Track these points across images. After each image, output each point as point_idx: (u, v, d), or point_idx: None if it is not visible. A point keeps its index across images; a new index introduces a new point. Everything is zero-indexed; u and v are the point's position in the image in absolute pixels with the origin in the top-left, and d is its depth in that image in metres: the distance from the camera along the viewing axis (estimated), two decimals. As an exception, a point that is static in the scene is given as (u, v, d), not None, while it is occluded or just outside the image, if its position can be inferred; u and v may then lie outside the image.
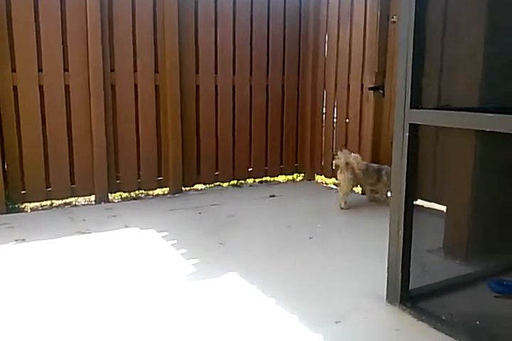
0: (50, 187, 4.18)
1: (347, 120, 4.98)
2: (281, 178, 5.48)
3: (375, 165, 4.29)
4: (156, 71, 4.51)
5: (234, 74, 4.94)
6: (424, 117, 2.22)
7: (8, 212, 3.94)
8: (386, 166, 4.18)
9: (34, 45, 3.97)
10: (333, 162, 4.37)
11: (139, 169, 4.56)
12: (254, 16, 4.97)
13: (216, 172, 4.99)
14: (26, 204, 4.16)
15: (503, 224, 2.78)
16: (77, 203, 4.34)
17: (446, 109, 2.27)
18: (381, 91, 4.57)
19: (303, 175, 5.54)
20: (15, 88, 3.97)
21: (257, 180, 5.31)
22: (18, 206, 4.10)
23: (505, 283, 2.49)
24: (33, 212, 4.07)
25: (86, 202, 4.37)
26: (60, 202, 4.29)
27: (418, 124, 2.25)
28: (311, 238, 3.46)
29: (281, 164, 5.41)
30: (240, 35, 4.93)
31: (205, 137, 4.87)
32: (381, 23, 4.48)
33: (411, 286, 2.38)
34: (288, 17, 5.18)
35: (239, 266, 2.91)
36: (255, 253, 3.16)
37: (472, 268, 2.77)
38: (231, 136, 5.03)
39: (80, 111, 4.21)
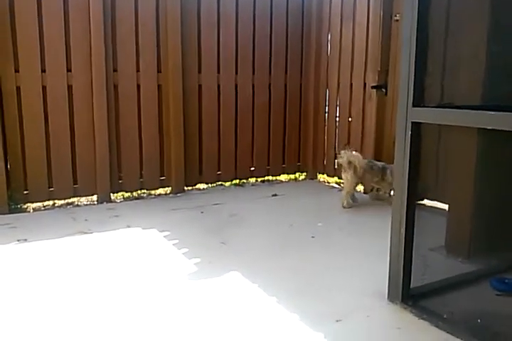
0: (52, 187, 4.18)
1: (349, 119, 4.97)
2: (283, 177, 5.48)
3: (379, 164, 4.28)
4: (159, 71, 4.51)
5: (236, 73, 4.94)
6: (427, 115, 2.22)
7: (10, 212, 3.95)
8: (391, 165, 4.17)
9: (37, 45, 3.98)
10: (336, 161, 4.36)
11: (141, 169, 4.56)
12: (256, 15, 4.96)
13: (218, 172, 4.98)
14: (29, 204, 4.16)
15: (505, 222, 2.77)
16: (79, 203, 4.35)
17: (448, 107, 2.26)
18: (384, 90, 4.55)
19: (305, 174, 5.53)
20: (18, 88, 3.97)
21: (259, 180, 5.31)
22: (21, 206, 4.11)
23: (507, 281, 2.48)
24: (35, 212, 4.08)
25: (88, 202, 4.38)
26: (62, 202, 4.30)
27: (420, 122, 2.24)
28: (313, 237, 3.45)
29: (284, 163, 5.41)
30: (243, 35, 4.92)
31: (208, 136, 4.87)
32: (384, 21, 4.46)
33: (412, 284, 2.37)
34: (291, 16, 5.17)
35: (241, 265, 2.91)
36: (257, 252, 3.16)
37: (474, 266, 2.76)
38: (233, 136, 5.03)
39: (83, 111, 4.22)
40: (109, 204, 4.34)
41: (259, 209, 4.23)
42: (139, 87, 4.44)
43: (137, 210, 4.15)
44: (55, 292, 2.55)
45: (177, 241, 3.36)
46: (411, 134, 2.24)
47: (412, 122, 2.23)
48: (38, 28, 3.96)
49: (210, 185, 5.01)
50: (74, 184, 4.27)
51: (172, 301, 2.46)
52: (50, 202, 4.26)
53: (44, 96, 4.07)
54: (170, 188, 4.73)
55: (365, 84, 4.73)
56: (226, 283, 2.67)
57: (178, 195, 4.69)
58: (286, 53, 5.23)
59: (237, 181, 5.15)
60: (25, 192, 4.09)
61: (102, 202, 4.34)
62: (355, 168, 4.13)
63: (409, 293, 2.37)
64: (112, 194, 4.44)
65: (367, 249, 3.18)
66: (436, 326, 2.17)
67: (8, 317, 2.28)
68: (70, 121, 4.19)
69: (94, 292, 2.55)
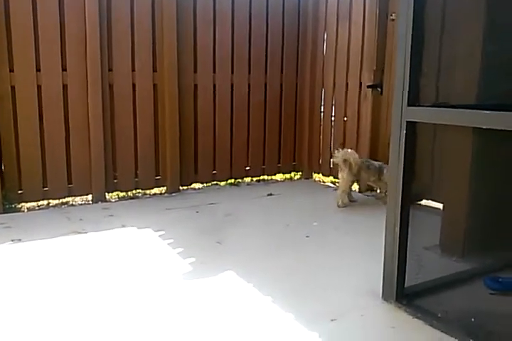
0: (46, 187, 4.16)
1: (345, 118, 4.98)
2: (278, 177, 5.47)
3: (376, 163, 4.29)
4: (155, 70, 4.50)
5: (232, 72, 4.93)
6: (422, 115, 2.22)
7: (4, 212, 3.93)
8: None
9: (32, 44, 3.96)
10: (331, 160, 4.37)
11: (136, 168, 4.55)
12: (252, 14, 4.96)
13: (214, 171, 4.98)
14: (23, 204, 4.14)
15: (500, 221, 2.78)
16: (74, 203, 4.33)
17: (443, 106, 2.26)
18: (379, 89, 4.56)
19: (300, 173, 5.53)
20: (13, 88, 3.95)
21: (254, 179, 5.31)
22: (15, 206, 4.10)
23: (500, 280, 2.49)
24: (29, 212, 4.06)
25: (83, 202, 4.36)
26: (57, 201, 4.28)
27: (415, 122, 2.24)
28: (307, 236, 3.45)
29: (279, 163, 5.41)
30: (239, 34, 4.91)
31: (203, 136, 4.86)
32: (380, 20, 4.47)
33: (407, 284, 2.37)
34: (287, 15, 5.17)
35: (236, 264, 2.90)
36: (253, 252, 3.15)
37: (468, 265, 2.77)
38: (229, 135, 5.02)
39: (78, 110, 4.20)
40: (104, 203, 4.32)
41: (255, 208, 4.22)
42: (134, 86, 4.43)
43: (132, 210, 4.13)
44: (49, 292, 2.54)
45: (172, 240, 3.35)
46: (406, 133, 2.24)
47: (407, 121, 2.23)
48: (33, 27, 3.94)
49: (205, 184, 5.01)
50: (68, 183, 4.26)
51: (167, 301, 2.45)
52: (45, 202, 4.24)
53: (39, 96, 4.05)
54: (165, 188, 4.72)
55: (360, 83, 4.73)
56: (221, 283, 2.66)
57: (173, 194, 4.68)
58: (282, 52, 5.23)
59: (233, 181, 5.14)
60: (19, 191, 4.07)
61: (96, 202, 4.33)
62: (350, 165, 4.14)
63: (404, 292, 2.37)
64: (106, 193, 4.42)
65: (362, 248, 3.18)
66: (431, 325, 2.18)
67: (1, 318, 2.27)
68: (65, 121, 4.17)
69: (89, 292, 2.54)
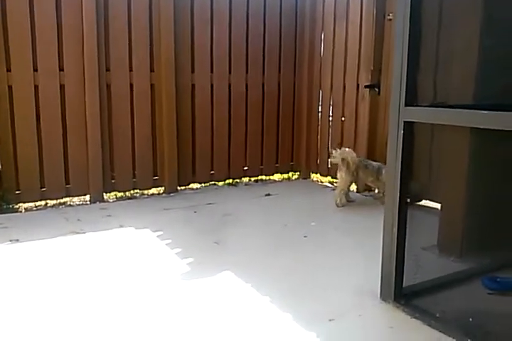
0: (44, 187, 4.16)
1: (343, 118, 4.98)
2: (276, 177, 5.47)
3: (375, 164, 4.29)
4: (152, 70, 4.49)
5: (230, 72, 4.93)
6: (419, 115, 2.22)
7: (2, 213, 3.92)
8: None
9: (29, 44, 3.95)
10: (329, 160, 4.37)
11: (134, 168, 4.54)
12: (250, 14, 4.95)
13: (211, 172, 4.97)
14: (21, 204, 4.13)
15: (497, 221, 2.78)
16: (71, 203, 4.32)
17: (441, 106, 2.26)
18: (377, 89, 4.56)
19: (298, 173, 5.53)
20: (10, 88, 3.94)
21: (252, 179, 5.30)
22: (13, 206, 4.08)
23: (498, 279, 2.49)
24: (27, 212, 4.05)
25: (81, 202, 4.36)
26: (54, 202, 4.27)
27: (413, 122, 2.25)
28: (306, 236, 3.45)
29: (277, 163, 5.40)
30: (236, 33, 4.91)
31: (201, 136, 4.85)
32: (377, 20, 4.48)
33: (405, 284, 2.37)
34: (284, 15, 5.16)
35: (234, 265, 2.90)
36: (251, 252, 3.15)
37: (466, 265, 2.77)
38: (227, 135, 5.02)
39: (75, 110, 4.19)
40: (102, 204, 4.32)
41: (253, 208, 4.22)
42: (131, 86, 4.42)
43: (130, 210, 4.13)
44: (47, 293, 2.53)
45: (170, 241, 3.35)
46: (403, 133, 2.24)
47: (405, 121, 2.23)
48: (30, 26, 3.93)
49: (203, 184, 5.00)
50: (66, 184, 4.25)
51: (165, 301, 2.45)
52: (43, 202, 4.23)
53: (36, 96, 4.04)
54: (163, 188, 4.71)
55: (358, 83, 4.73)
56: (219, 283, 2.66)
57: (171, 194, 4.67)
58: (280, 52, 5.23)
59: (231, 181, 5.14)
60: (17, 192, 4.07)
61: (94, 202, 4.32)
62: (348, 163, 4.14)
63: (402, 292, 2.37)
64: (104, 194, 4.42)
65: (360, 248, 3.18)
66: (429, 325, 2.18)
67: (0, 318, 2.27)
68: (62, 121, 4.16)
69: (87, 292, 2.54)
